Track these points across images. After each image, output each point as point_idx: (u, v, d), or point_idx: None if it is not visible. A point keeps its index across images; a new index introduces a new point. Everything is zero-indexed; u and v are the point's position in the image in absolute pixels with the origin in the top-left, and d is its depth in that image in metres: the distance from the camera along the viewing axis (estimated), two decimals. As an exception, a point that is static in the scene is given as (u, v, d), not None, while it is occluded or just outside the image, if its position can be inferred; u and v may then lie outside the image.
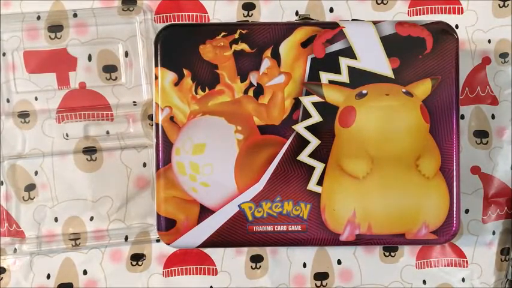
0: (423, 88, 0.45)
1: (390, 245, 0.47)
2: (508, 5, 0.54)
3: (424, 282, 0.54)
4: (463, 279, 0.54)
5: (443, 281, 0.55)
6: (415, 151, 0.45)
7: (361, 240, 0.46)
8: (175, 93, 0.46)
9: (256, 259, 0.54)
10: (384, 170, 0.45)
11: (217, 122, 0.46)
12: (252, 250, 0.54)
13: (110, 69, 0.53)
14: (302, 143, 0.45)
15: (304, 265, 0.54)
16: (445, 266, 0.55)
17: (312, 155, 0.45)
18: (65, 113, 0.53)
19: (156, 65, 0.46)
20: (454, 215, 0.46)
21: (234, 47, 0.46)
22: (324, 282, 0.54)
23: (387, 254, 0.54)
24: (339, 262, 0.54)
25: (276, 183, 0.45)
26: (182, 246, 0.46)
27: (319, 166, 0.45)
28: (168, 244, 0.46)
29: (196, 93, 0.46)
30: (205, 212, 0.46)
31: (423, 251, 0.54)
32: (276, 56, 0.46)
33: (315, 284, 0.54)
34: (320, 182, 0.45)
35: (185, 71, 0.46)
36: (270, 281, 0.54)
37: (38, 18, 0.53)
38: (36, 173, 0.53)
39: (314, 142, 0.45)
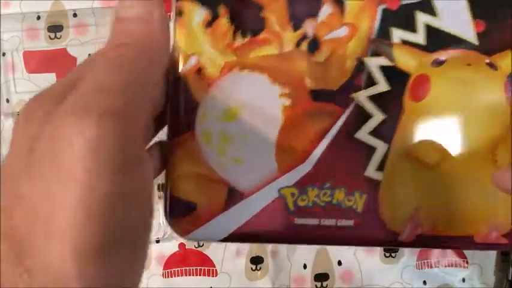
0: (511, 60, 0.37)
1: (457, 249, 0.39)
2: None
3: (425, 282, 0.54)
4: (463, 280, 0.54)
5: (443, 281, 0.54)
6: (493, 138, 0.36)
7: (424, 242, 0.37)
8: (205, 37, 0.34)
9: (256, 260, 0.54)
10: (457, 159, 0.36)
11: (259, 81, 0.35)
12: (252, 251, 0.53)
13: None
14: (362, 117, 0.35)
15: (305, 266, 0.54)
16: (445, 266, 0.54)
17: (373, 133, 0.35)
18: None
19: None
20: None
21: (289, -17, 0.35)
22: (324, 283, 0.54)
23: (388, 254, 0.54)
24: (340, 263, 0.54)
25: (327, 165, 0.35)
26: (202, 238, 0.35)
27: (381, 147, 0.36)
28: (183, 236, 0.35)
29: (234, 39, 0.35)
30: (234, 196, 0.35)
31: (423, 252, 0.54)
32: (339, 1, 0.35)
33: (315, 285, 0.54)
34: (381, 167, 0.36)
35: (221, 9, 0.34)
36: (270, 283, 0.54)
37: (38, 18, 0.54)
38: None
39: (377, 116, 0.36)
